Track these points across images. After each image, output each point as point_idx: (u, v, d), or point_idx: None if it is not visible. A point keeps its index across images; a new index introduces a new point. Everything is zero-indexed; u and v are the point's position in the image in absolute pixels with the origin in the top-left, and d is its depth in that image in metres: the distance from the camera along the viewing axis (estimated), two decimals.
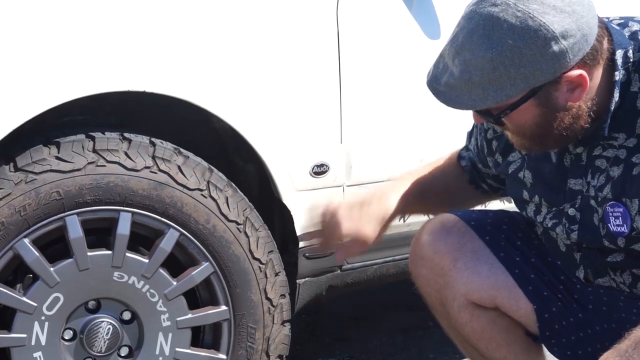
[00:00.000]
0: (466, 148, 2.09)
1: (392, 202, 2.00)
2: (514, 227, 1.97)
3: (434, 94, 1.67)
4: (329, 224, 1.96)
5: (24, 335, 2.07)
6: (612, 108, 1.68)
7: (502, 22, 1.56)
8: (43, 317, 2.08)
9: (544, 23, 1.54)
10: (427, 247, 1.99)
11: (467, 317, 1.97)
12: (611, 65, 1.67)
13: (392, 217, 2.01)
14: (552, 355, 2.03)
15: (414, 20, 2.40)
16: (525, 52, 1.55)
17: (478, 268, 1.94)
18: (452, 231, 1.97)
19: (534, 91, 1.60)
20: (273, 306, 2.28)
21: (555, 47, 1.55)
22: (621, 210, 1.70)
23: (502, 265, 1.94)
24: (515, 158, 1.89)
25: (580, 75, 1.60)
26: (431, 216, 2.05)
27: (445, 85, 1.63)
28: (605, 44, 1.66)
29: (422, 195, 2.05)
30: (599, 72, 1.66)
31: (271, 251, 2.27)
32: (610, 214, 1.72)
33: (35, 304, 2.07)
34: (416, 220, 2.46)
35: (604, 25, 1.67)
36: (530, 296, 1.93)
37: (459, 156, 2.10)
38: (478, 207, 2.14)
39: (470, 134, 2.07)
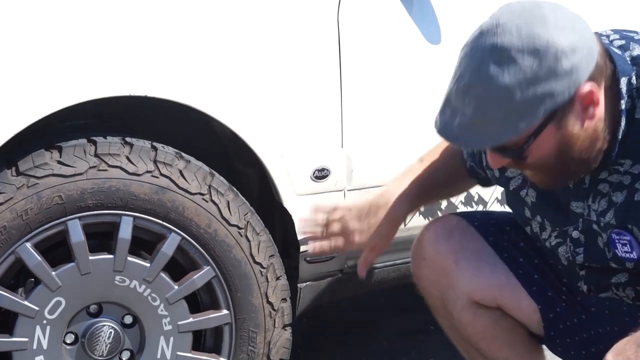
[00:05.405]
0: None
1: (398, 207, 1.97)
2: (517, 229, 1.96)
3: (449, 139, 1.62)
4: (339, 233, 1.96)
5: (26, 339, 2.07)
6: (620, 137, 1.65)
7: (510, 48, 1.52)
8: (45, 321, 2.08)
9: (552, 41, 1.51)
10: (429, 248, 1.99)
11: (469, 317, 1.97)
12: (616, 93, 1.64)
13: (400, 221, 1.99)
14: (553, 357, 2.04)
15: (414, 24, 2.41)
16: (539, 73, 1.51)
17: (480, 268, 1.94)
18: (454, 232, 1.97)
19: (552, 115, 1.55)
20: (274, 310, 2.28)
21: (566, 63, 1.51)
22: (628, 238, 1.69)
23: (505, 266, 1.95)
24: (515, 174, 1.86)
25: (591, 90, 1.56)
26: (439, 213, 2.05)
27: (459, 128, 1.57)
28: (608, 63, 1.63)
29: (425, 192, 2.01)
30: (603, 93, 1.62)
31: (272, 255, 2.27)
32: (617, 241, 1.70)
33: (37, 308, 2.07)
34: (416, 224, 2.47)
35: (604, 46, 1.64)
36: (535, 296, 1.93)
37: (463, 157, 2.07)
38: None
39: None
